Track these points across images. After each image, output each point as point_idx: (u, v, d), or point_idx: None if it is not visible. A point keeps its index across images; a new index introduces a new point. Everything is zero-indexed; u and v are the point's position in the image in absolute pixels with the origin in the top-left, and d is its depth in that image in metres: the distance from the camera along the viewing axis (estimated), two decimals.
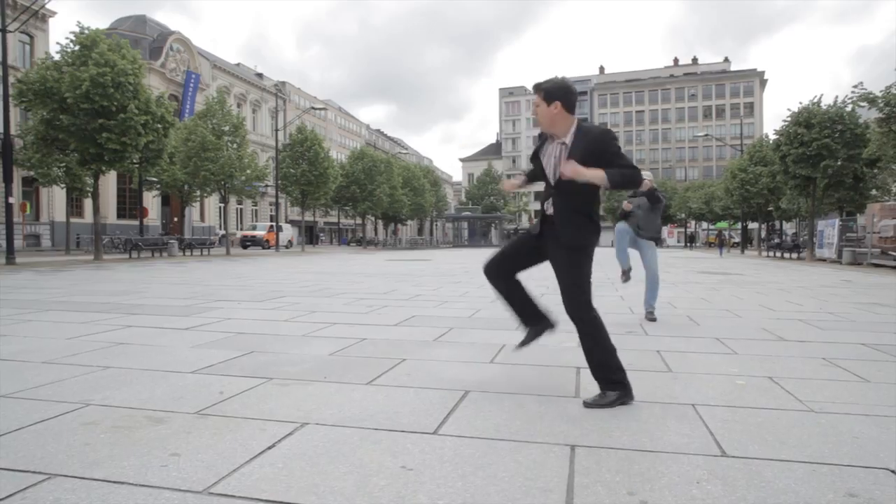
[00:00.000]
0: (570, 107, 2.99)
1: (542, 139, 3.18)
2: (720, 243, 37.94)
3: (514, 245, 3.33)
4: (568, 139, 2.99)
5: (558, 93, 2.96)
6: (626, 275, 6.65)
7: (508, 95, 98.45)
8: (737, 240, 53.00)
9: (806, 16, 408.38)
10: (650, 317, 6.19)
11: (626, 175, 2.90)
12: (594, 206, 3.05)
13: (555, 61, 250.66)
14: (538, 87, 3.01)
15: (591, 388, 3.34)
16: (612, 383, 3.01)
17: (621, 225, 6.52)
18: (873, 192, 24.45)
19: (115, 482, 2.02)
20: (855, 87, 20.73)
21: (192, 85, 44.12)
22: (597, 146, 2.93)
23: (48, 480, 2.03)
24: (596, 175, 2.83)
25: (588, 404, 2.97)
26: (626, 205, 6.36)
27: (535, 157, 3.19)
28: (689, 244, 63.45)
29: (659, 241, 6.48)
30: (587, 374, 3.71)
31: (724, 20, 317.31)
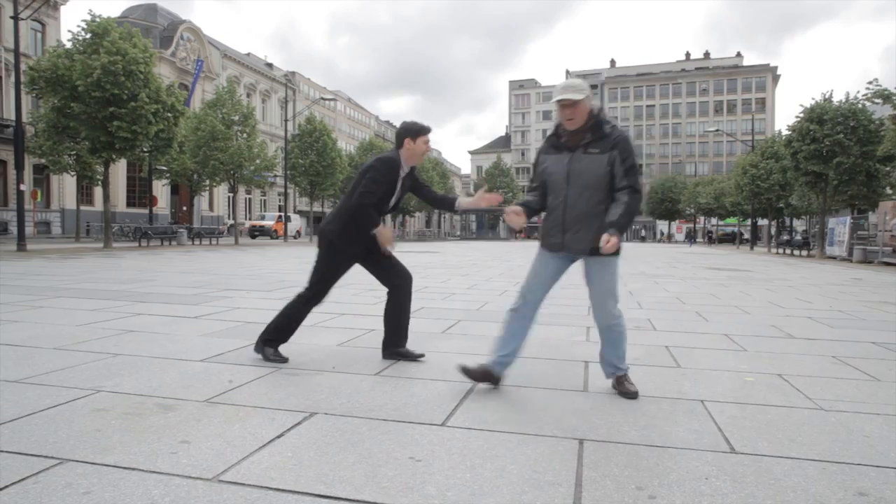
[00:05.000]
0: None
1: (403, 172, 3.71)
2: (690, 236, 45.19)
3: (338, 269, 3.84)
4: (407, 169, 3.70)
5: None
6: (480, 376, 3.15)
7: (518, 88, 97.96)
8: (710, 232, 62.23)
9: (843, 12, 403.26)
10: (623, 387, 3.12)
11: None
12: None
13: (584, 55, 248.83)
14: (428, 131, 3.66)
15: (601, 381, 3.34)
16: (269, 342, 3.74)
17: (539, 248, 3.25)
18: (887, 189, 24.18)
19: (125, 468, 2.03)
20: (870, 83, 20.51)
21: (196, 72, 44.12)
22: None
23: (60, 465, 2.05)
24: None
25: (257, 351, 3.74)
26: (511, 217, 3.21)
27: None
28: (703, 240, 63.58)
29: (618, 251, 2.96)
30: (595, 368, 3.71)
31: (760, 15, 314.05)
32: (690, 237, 55.05)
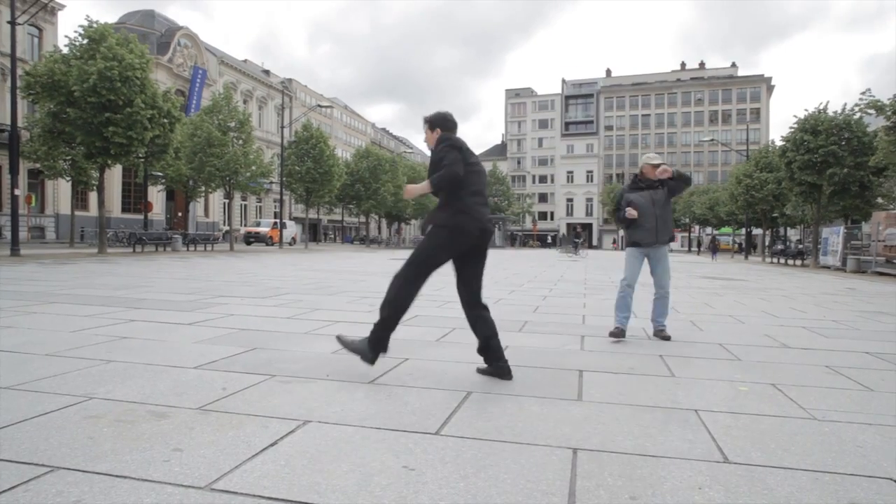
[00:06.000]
0: (447, 131, 3.68)
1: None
2: (713, 248, 40.60)
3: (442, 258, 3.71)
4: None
5: (437, 122, 3.70)
6: (619, 335, 5.15)
7: (514, 97, 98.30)
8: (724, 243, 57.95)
9: (818, 23, 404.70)
10: (662, 335, 5.25)
11: (441, 177, 3.40)
12: (450, 199, 3.53)
13: (563, 63, 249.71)
14: (425, 120, 3.76)
15: (594, 391, 3.34)
16: (377, 341, 3.58)
17: (633, 250, 5.32)
18: (879, 200, 24.34)
19: (117, 476, 2.02)
20: (863, 94, 20.68)
21: (198, 80, 44.17)
22: (434, 155, 3.57)
23: (51, 473, 2.03)
24: (423, 187, 3.56)
25: (340, 338, 3.76)
26: (631, 212, 5.15)
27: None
28: (697, 249, 63.71)
29: (672, 239, 5.37)
30: (590, 377, 3.72)
31: (735, 26, 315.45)
32: (714, 249, 41.94)
